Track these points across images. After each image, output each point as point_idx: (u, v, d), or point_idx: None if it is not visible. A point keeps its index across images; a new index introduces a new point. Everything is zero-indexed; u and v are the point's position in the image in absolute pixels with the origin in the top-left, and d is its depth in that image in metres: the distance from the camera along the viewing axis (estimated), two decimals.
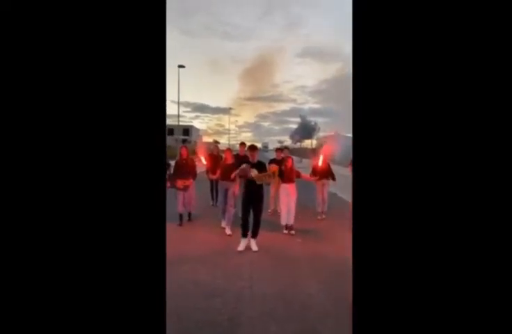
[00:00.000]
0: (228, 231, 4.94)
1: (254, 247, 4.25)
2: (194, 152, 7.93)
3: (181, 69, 23.24)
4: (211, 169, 6.11)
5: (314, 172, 6.02)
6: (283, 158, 5.95)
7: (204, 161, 5.89)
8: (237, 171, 4.27)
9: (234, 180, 5.00)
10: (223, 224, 5.18)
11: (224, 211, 5.17)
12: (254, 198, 4.22)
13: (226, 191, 5.19)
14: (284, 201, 5.10)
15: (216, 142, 9.29)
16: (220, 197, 5.33)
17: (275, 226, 5.32)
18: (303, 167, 11.11)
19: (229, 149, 5.51)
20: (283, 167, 5.05)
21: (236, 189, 5.19)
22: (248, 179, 4.18)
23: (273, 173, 4.29)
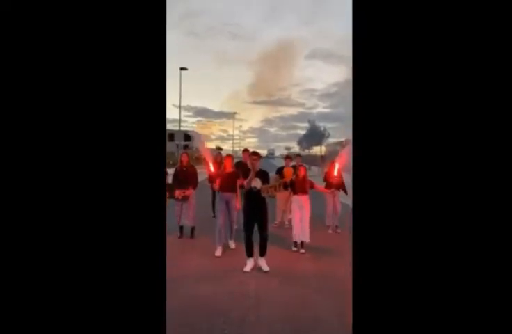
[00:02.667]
0: (219, 252, 4.52)
1: (264, 267, 3.99)
2: (196, 159, 7.78)
3: (183, 71, 23.51)
4: (215, 178, 5.95)
5: (326, 181, 5.94)
6: (294, 166, 5.82)
7: (212, 168, 5.30)
8: (246, 181, 3.95)
9: (235, 191, 4.72)
10: (217, 252, 4.55)
11: (220, 229, 4.63)
12: (257, 212, 4.01)
13: (226, 203, 4.78)
14: (297, 215, 4.81)
15: (219, 148, 9.19)
16: (219, 212, 4.77)
17: (282, 240, 5.23)
18: (312, 175, 11.03)
19: (229, 156, 5.11)
20: (294, 176, 4.86)
21: (238, 202, 4.84)
22: (250, 189, 3.96)
23: (279, 185, 4.06)
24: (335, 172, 5.65)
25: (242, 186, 4.16)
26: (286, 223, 6.37)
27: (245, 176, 4.06)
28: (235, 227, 4.97)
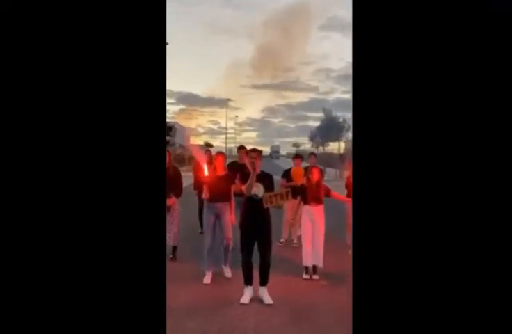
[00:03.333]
0: (208, 279, 4.59)
1: (266, 299, 3.97)
2: (182, 159, 7.75)
3: None
4: (203, 183, 5.81)
5: (349, 188, 5.91)
6: (306, 168, 5.84)
7: (207, 172, 5.16)
8: (244, 187, 3.91)
9: (228, 200, 4.72)
10: (206, 278, 4.62)
11: (209, 249, 4.69)
12: (257, 227, 3.97)
13: (217, 216, 4.74)
14: (308, 230, 4.81)
15: (208, 145, 9.11)
16: (207, 228, 4.78)
17: (289, 263, 5.25)
18: (328, 179, 11.06)
19: (221, 155, 5.07)
20: (306, 180, 4.89)
21: (232, 215, 4.79)
22: (249, 198, 3.96)
23: (287, 193, 4.02)
24: None
25: (239, 194, 4.12)
26: (295, 241, 6.39)
27: (243, 181, 4.00)
28: (231, 247, 4.86)
